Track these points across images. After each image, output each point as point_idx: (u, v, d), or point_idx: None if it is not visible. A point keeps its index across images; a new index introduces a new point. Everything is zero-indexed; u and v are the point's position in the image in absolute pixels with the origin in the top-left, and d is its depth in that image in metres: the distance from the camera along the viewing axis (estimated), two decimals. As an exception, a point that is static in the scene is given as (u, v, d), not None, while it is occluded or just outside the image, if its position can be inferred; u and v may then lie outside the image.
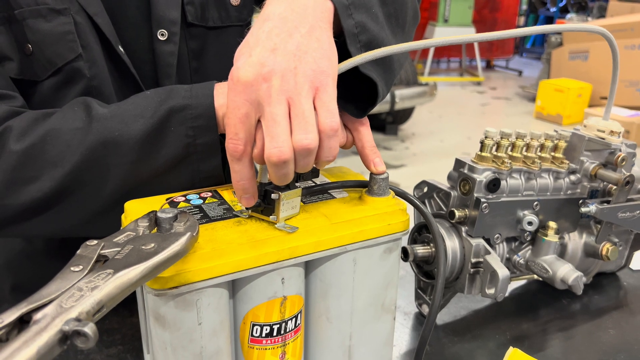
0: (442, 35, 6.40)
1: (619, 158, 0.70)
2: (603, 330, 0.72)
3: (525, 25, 8.34)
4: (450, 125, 5.06)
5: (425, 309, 0.73)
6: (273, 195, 0.47)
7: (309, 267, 0.52)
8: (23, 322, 0.31)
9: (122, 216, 0.52)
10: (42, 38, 0.59)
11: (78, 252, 0.38)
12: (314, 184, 0.56)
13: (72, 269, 0.36)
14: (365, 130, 0.53)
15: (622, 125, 0.72)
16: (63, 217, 0.55)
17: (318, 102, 0.43)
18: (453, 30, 6.40)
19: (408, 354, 0.67)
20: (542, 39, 8.64)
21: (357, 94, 0.53)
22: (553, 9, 8.30)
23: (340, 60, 0.47)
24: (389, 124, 4.72)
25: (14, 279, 0.75)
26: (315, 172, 0.55)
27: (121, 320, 0.72)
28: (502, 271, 0.62)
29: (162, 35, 0.66)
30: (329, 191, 0.56)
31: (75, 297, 0.33)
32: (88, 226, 0.57)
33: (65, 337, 0.30)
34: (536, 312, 0.75)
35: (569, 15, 7.11)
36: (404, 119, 4.77)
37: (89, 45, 0.61)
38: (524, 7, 8.53)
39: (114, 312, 0.61)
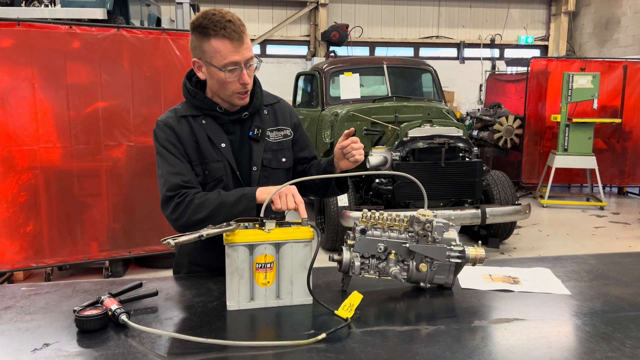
0: (559, 161, 6.97)
1: (426, 226, 1.62)
2: (429, 308, 1.59)
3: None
4: (554, 244, 5.51)
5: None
6: (265, 221, 1.53)
7: (278, 247, 1.54)
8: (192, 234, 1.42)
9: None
10: (211, 169, 1.77)
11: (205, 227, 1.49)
12: (284, 221, 1.60)
13: (205, 228, 1.47)
14: (301, 204, 1.57)
15: None
16: (206, 226, 1.67)
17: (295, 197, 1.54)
18: (572, 158, 6.94)
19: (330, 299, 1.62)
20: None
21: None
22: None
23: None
24: (491, 237, 5.39)
25: (188, 258, 1.90)
26: (283, 216, 1.60)
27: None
28: (346, 260, 1.57)
29: (254, 169, 1.81)
30: (290, 224, 1.59)
31: (205, 231, 1.43)
32: (214, 232, 1.69)
33: (199, 237, 1.40)
34: (410, 295, 1.64)
35: None
36: (505, 235, 5.41)
37: (227, 171, 1.78)
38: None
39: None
